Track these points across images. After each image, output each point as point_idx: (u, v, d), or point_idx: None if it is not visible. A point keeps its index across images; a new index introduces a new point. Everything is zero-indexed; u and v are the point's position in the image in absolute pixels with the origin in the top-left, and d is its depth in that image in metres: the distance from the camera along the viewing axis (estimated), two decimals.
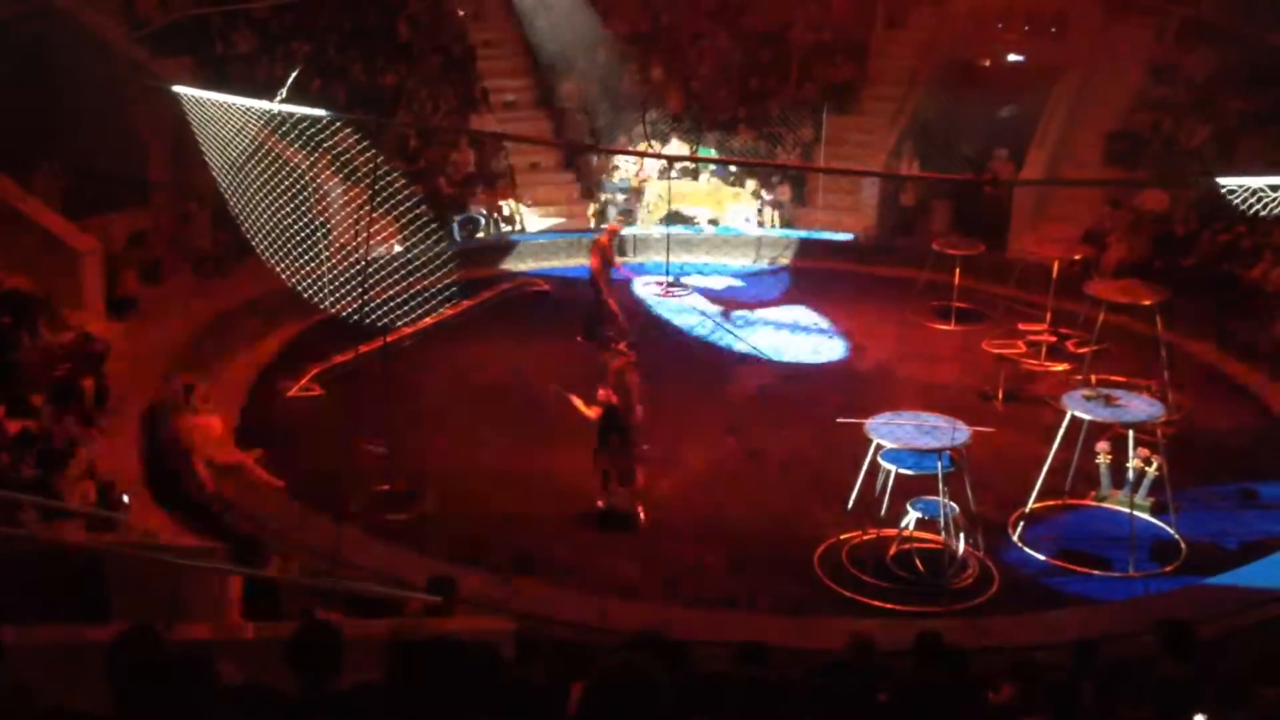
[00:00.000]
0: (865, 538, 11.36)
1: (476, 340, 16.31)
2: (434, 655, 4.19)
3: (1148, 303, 15.07)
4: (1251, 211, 10.25)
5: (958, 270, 17.01)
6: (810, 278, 19.16)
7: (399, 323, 12.60)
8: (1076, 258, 17.35)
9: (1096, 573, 11.08)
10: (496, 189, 20.37)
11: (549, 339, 16.41)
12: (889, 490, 11.16)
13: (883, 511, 11.20)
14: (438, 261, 12.71)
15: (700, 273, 19.58)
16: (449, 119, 20.66)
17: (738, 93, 22.49)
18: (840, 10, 23.37)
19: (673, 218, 20.07)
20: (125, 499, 10.99)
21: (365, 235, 11.34)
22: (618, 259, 17.40)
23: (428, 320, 15.67)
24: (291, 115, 11.37)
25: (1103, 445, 12.15)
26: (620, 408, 11.56)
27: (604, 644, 8.87)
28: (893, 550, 11.16)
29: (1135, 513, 11.71)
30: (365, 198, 11.79)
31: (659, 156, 20.59)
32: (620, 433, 11.55)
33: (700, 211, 20.70)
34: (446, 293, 12.83)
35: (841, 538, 11.37)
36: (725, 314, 17.82)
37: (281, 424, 13.72)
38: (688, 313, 17.84)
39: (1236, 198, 10.05)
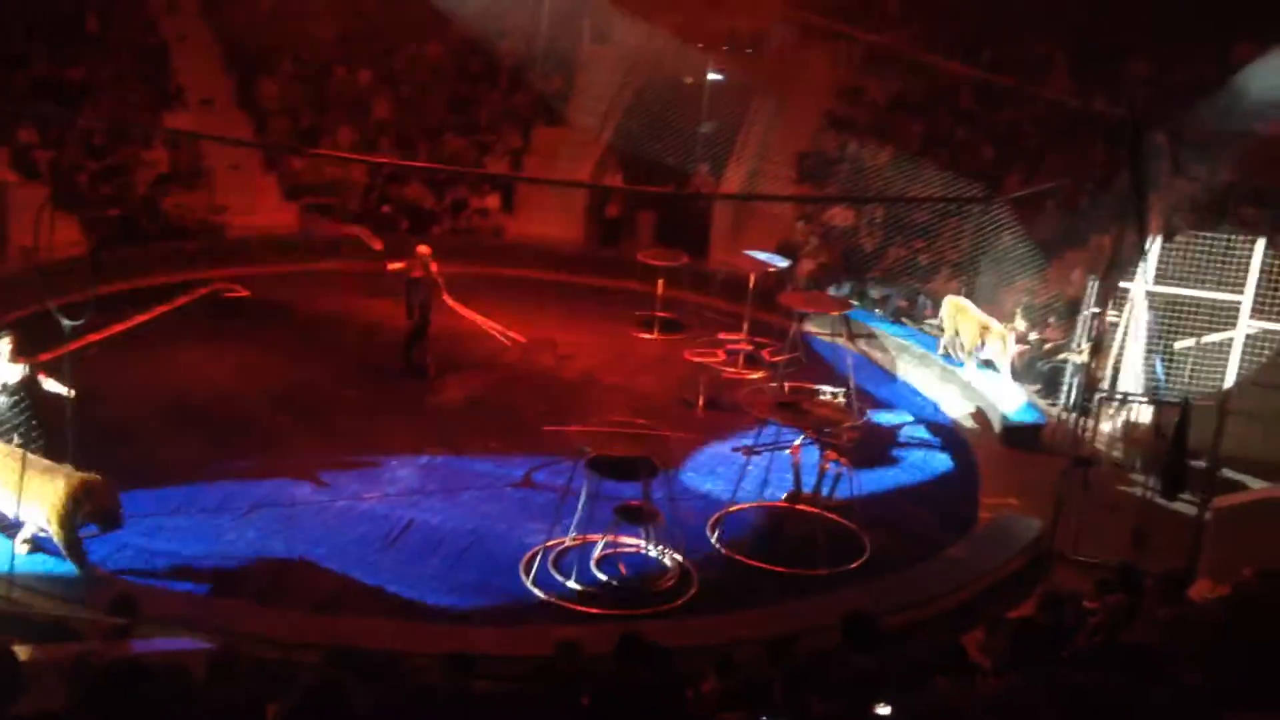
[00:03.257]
0: (570, 544, 11.50)
1: (168, 346, 15.61)
2: (119, 680, 4.02)
3: (834, 314, 15.99)
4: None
5: (661, 281, 17.45)
6: (519, 286, 19.23)
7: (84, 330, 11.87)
8: (771, 270, 18.09)
9: (790, 571, 11.57)
10: (194, 190, 19.56)
11: (244, 344, 15.96)
12: (594, 497, 11.34)
13: (586, 517, 11.37)
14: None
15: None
16: (140, 116, 19.70)
17: (447, 99, 22.42)
18: (551, 23, 23.64)
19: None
20: None
21: (47, 235, 10.65)
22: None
23: (116, 327, 14.96)
24: None
25: (794, 449, 12.73)
26: None
27: (304, 661, 8.65)
28: (597, 556, 11.36)
29: (824, 513, 12.36)
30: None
31: (375, 160, 20.20)
32: None
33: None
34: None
35: (547, 545, 11.47)
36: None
37: None
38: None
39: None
